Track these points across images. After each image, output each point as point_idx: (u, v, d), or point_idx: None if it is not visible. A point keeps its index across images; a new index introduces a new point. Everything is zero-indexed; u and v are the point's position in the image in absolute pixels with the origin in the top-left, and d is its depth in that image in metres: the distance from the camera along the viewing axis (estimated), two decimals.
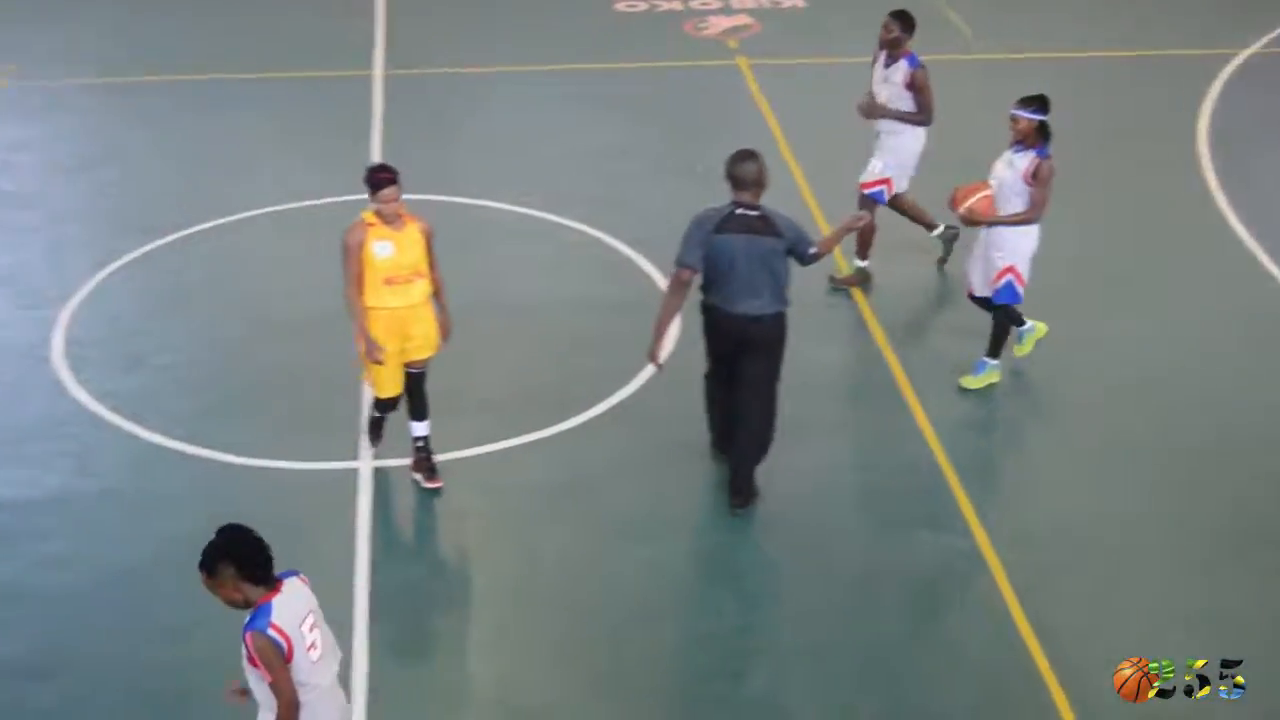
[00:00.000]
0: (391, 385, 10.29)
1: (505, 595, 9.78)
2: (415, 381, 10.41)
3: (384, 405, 10.49)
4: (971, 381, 11.72)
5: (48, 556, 9.99)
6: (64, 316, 12.79)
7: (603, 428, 11.33)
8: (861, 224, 11.01)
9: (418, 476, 10.60)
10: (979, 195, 11.32)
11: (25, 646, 9.21)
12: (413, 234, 9.95)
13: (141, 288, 13.44)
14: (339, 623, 9.23)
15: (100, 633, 9.31)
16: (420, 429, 10.55)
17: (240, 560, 6.76)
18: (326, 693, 7.04)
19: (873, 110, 12.94)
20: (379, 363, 10.08)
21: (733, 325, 10.16)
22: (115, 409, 11.50)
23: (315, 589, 9.58)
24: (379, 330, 10.00)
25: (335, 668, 7.14)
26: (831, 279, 13.22)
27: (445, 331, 10.31)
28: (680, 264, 10.09)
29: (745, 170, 10.06)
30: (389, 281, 9.91)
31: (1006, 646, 9.17)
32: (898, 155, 12.87)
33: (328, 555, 9.94)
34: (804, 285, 10.95)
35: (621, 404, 11.57)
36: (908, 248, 13.41)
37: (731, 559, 10.18)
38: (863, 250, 13.20)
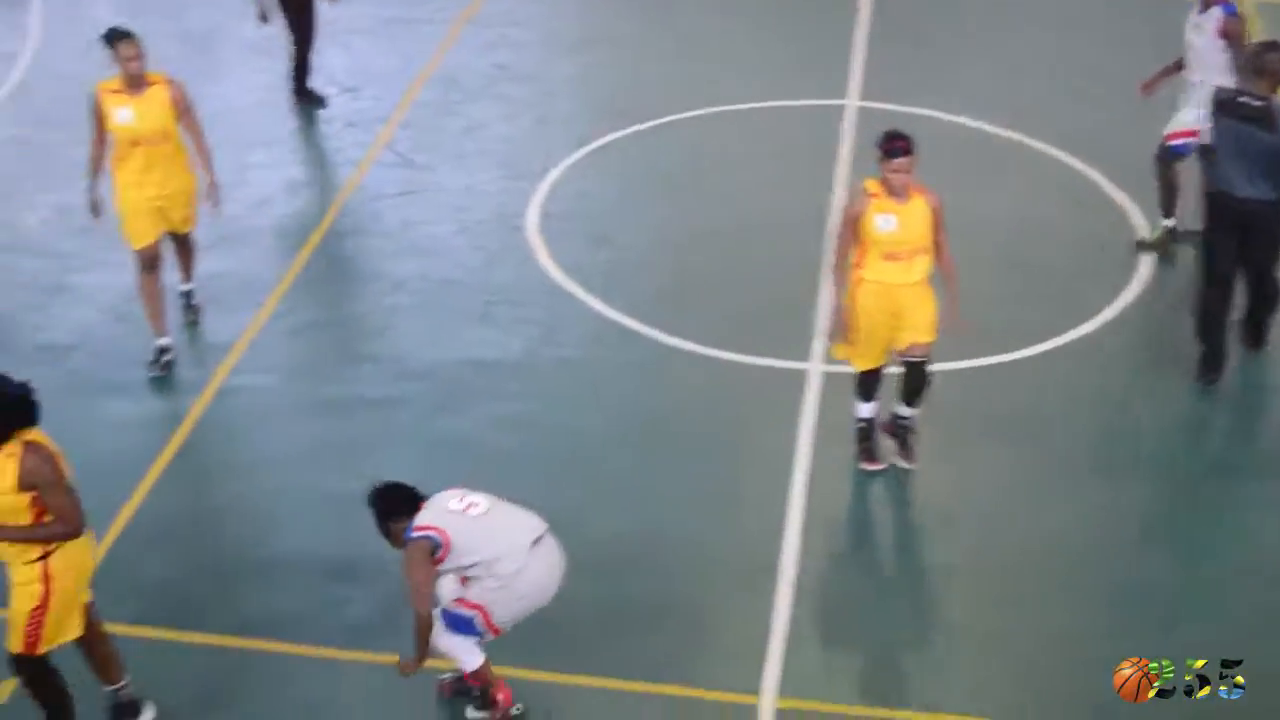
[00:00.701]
0: (869, 358, 9.67)
1: (934, 516, 9.72)
2: (914, 372, 9.64)
3: (864, 383, 9.82)
4: None
5: (505, 417, 10.47)
6: (542, 189, 13.30)
7: (1058, 362, 11.08)
8: None
9: (890, 442, 10.03)
10: None
11: None
12: (919, 207, 9.24)
13: (616, 170, 13.83)
14: (770, 517, 9.44)
15: (547, 490, 9.65)
16: (906, 410, 9.85)
17: (396, 511, 7.68)
18: (521, 551, 7.61)
19: (1152, 85, 12.30)
20: (845, 341, 9.56)
21: (1231, 207, 10.26)
22: (580, 283, 11.92)
23: (752, 481, 9.81)
24: (869, 301, 9.41)
25: (522, 529, 7.73)
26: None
27: (950, 321, 9.51)
28: None
29: (1264, 59, 10.17)
30: (889, 257, 9.27)
31: None
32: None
33: (767, 451, 10.12)
34: None
35: (1080, 340, 11.29)
36: None
37: (1174, 510, 9.91)
38: (1168, 208, 12.23)
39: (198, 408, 10.57)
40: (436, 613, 7.71)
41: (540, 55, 16.10)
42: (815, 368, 10.89)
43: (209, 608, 8.85)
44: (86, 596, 7.57)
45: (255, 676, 8.34)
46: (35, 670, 7.45)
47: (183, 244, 11.27)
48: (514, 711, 7.95)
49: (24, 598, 7.26)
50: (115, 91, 10.54)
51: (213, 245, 11.95)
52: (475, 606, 7.64)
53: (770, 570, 9.07)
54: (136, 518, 9.51)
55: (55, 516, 7.12)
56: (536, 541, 7.71)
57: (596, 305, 11.65)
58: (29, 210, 13.09)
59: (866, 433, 9.97)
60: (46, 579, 7.21)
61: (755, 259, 12.28)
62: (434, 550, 7.53)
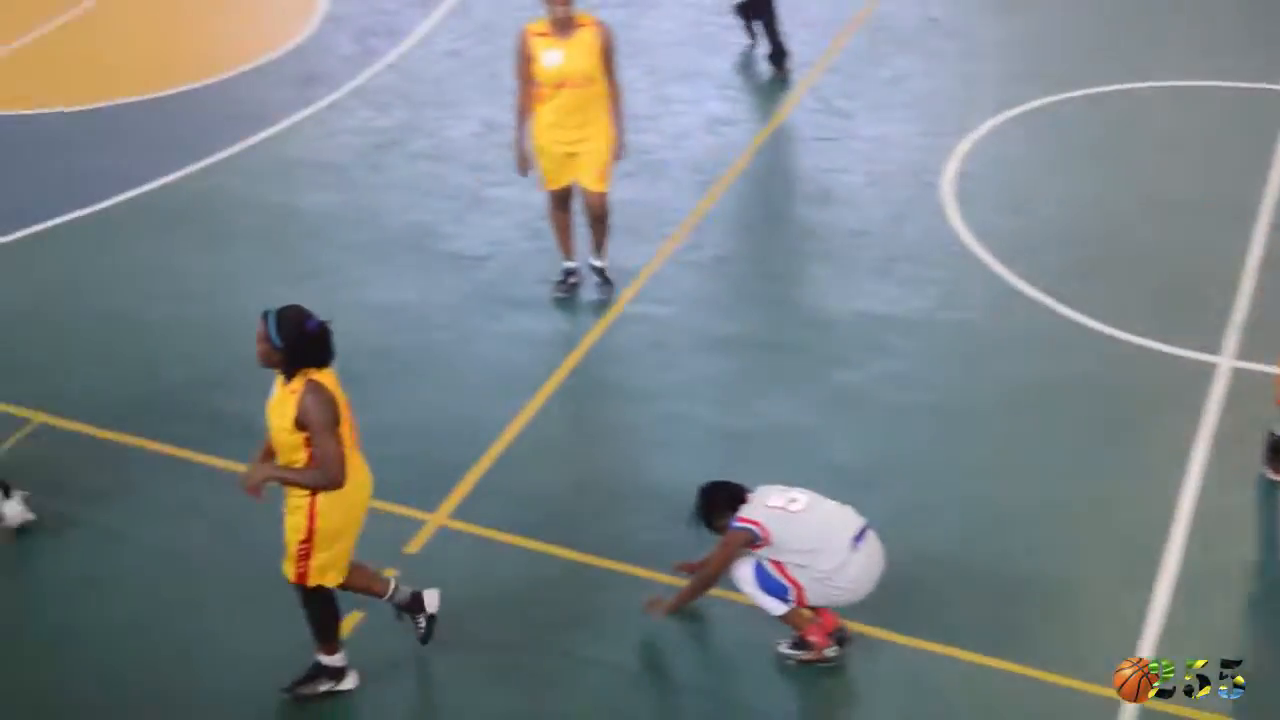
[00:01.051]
0: None
1: None
2: None
3: None
4: None
5: (895, 373, 10.35)
6: (961, 148, 13.07)
7: None
8: None
9: None
10: None
11: (856, 455, 9.59)
12: None
13: (1039, 136, 13.48)
14: (1156, 510, 9.08)
15: (928, 452, 9.63)
16: None
17: (723, 506, 7.88)
18: (841, 549, 7.69)
19: None
20: None
21: None
22: (989, 249, 11.67)
23: (1142, 468, 9.39)
24: None
25: (841, 527, 7.79)
26: None
27: None
28: None
29: None
30: None
31: None
32: None
33: (1163, 440, 9.72)
34: None
35: None
36: None
37: None
38: None
39: (596, 331, 10.81)
40: (750, 564, 7.84)
41: (974, 13, 15.82)
42: (1226, 362, 10.39)
43: (579, 525, 9.04)
44: (353, 538, 7.52)
45: (610, 597, 8.48)
46: (309, 595, 7.53)
47: (594, 212, 10.93)
48: (828, 653, 7.96)
49: (292, 529, 7.31)
50: (542, 34, 10.41)
51: (628, 174, 12.15)
52: (794, 582, 7.75)
53: (1151, 565, 8.71)
54: (525, 430, 9.79)
55: (316, 463, 7.05)
56: (858, 539, 7.75)
57: (1002, 271, 11.39)
58: (460, 122, 13.58)
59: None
60: (312, 515, 7.20)
61: (1173, 242, 11.80)
62: (751, 541, 7.73)
